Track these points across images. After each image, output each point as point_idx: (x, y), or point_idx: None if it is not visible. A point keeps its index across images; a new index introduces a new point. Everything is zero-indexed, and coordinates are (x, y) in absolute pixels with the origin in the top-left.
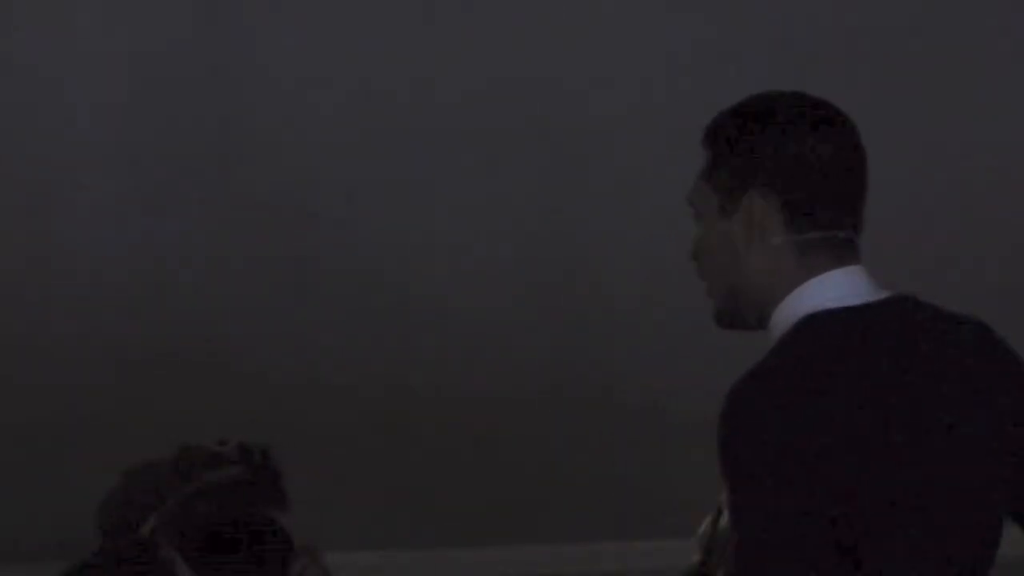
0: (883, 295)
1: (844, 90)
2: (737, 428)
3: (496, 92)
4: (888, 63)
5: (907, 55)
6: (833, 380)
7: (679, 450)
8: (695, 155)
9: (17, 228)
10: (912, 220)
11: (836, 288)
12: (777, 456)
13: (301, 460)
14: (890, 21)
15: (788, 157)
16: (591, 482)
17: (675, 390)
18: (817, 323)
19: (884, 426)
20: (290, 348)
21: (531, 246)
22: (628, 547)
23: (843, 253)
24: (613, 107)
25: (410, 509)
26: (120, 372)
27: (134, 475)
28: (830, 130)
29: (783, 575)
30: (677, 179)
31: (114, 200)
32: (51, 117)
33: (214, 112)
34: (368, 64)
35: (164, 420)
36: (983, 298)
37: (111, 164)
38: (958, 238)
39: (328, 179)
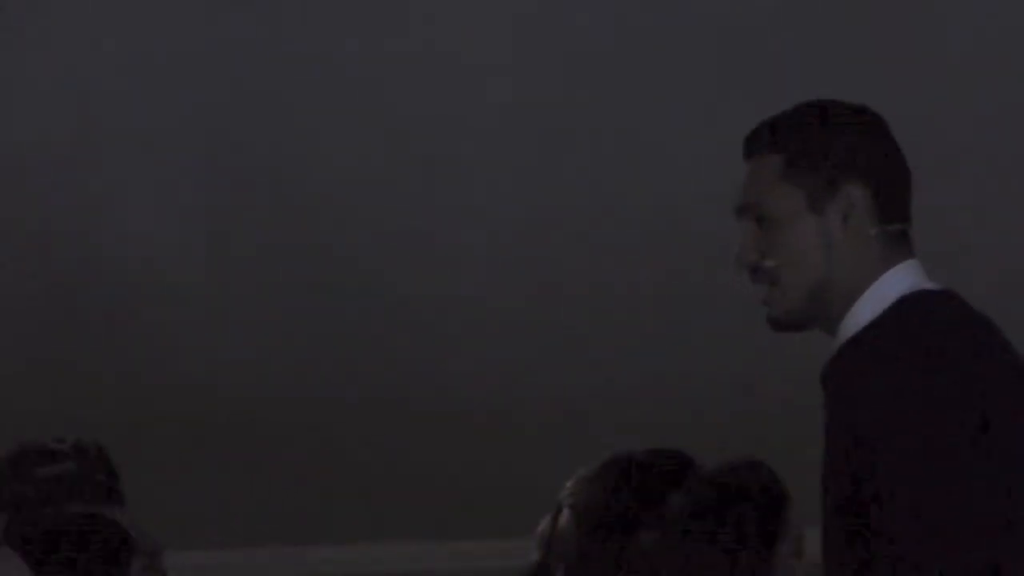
0: (939, 285)
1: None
2: (899, 400)
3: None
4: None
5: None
6: (966, 351)
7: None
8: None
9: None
10: None
11: (918, 276)
12: (946, 422)
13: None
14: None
15: (878, 149)
16: None
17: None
18: (924, 302)
19: (1019, 398)
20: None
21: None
22: None
23: (910, 246)
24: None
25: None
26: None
27: None
28: (886, 126)
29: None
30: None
31: (122, 207)
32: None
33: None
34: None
35: (169, 418)
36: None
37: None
38: None
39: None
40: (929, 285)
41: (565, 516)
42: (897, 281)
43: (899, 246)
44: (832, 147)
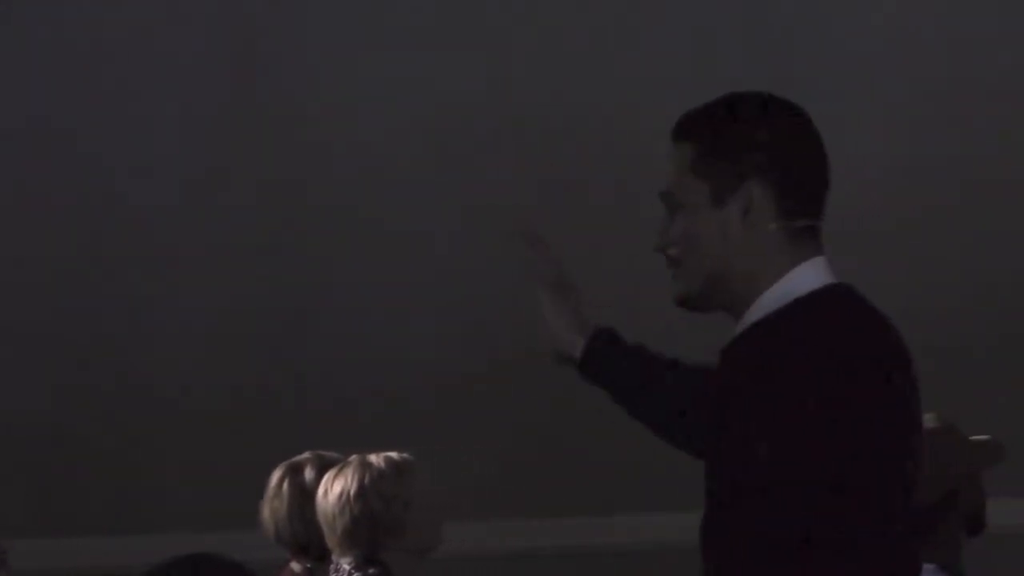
0: (843, 282)
1: None
2: (842, 370)
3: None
4: None
5: None
6: (875, 342)
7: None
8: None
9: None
10: None
11: (825, 272)
12: (876, 393)
13: None
14: None
15: (782, 147)
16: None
17: None
18: (836, 295)
19: (912, 387)
20: None
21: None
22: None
23: (819, 241)
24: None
25: None
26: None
27: None
28: (806, 124)
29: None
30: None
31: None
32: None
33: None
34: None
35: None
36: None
37: None
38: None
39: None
40: (830, 282)
41: None
42: (803, 279)
43: (806, 241)
44: (739, 144)
